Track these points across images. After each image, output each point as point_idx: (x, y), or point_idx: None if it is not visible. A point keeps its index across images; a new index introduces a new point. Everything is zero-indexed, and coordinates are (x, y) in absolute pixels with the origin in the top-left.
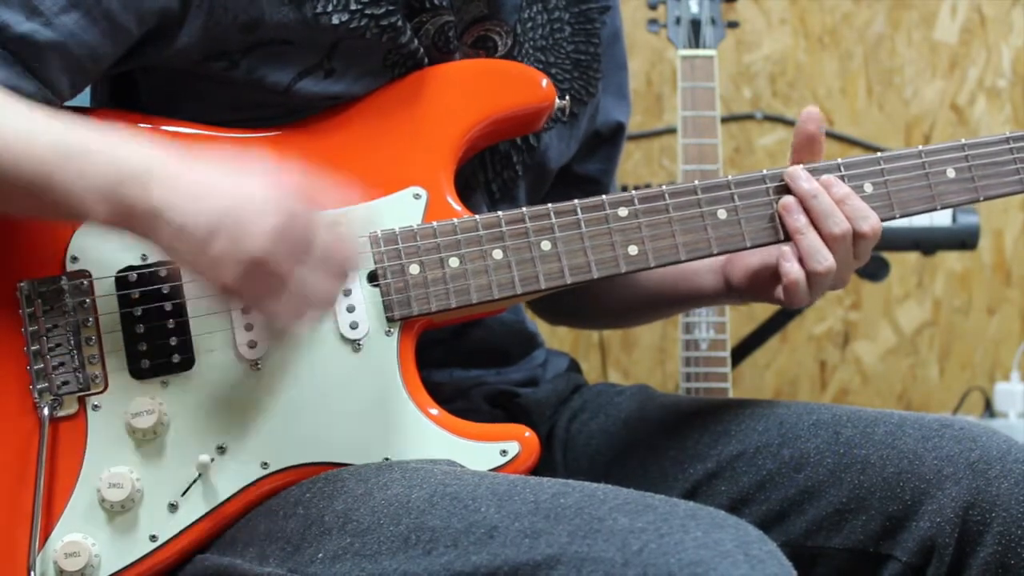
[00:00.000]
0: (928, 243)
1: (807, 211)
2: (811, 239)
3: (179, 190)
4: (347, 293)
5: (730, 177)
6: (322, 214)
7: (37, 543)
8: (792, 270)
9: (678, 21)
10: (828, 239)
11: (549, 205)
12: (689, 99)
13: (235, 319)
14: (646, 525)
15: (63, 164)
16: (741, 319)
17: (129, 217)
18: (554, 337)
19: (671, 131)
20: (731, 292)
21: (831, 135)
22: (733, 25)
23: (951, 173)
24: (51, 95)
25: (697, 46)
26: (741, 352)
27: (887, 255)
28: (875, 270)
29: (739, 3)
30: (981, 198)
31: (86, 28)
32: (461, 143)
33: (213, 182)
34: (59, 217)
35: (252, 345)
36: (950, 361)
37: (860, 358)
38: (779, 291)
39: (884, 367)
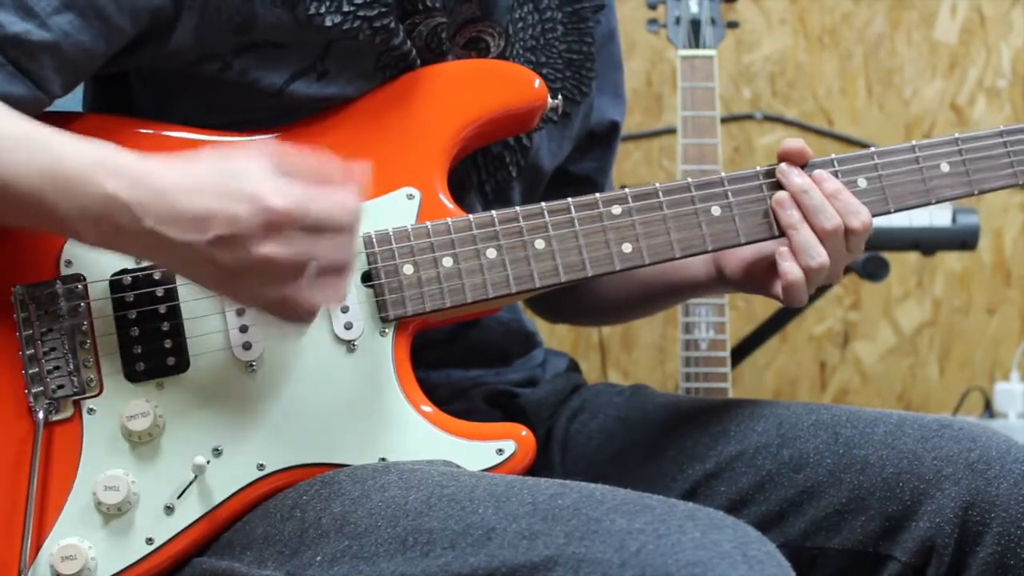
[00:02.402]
0: (928, 243)
1: (799, 206)
2: (804, 235)
3: (173, 207)
4: None
5: (723, 174)
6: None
7: (28, 546)
8: (791, 270)
9: (678, 21)
10: (820, 234)
11: (543, 204)
12: (689, 99)
13: (230, 321)
14: (644, 526)
15: (53, 185)
16: (741, 319)
17: (120, 234)
18: (553, 337)
19: (671, 131)
20: (725, 281)
21: (831, 135)
22: (733, 25)
23: (945, 167)
24: (43, 96)
25: (697, 46)
26: (741, 352)
27: (887, 255)
28: (875, 270)
29: (739, 3)
30: (975, 191)
31: (80, 28)
32: (454, 143)
33: (204, 185)
34: (54, 233)
35: (247, 347)
36: (950, 361)
37: (860, 358)
38: (776, 287)
39: (884, 367)
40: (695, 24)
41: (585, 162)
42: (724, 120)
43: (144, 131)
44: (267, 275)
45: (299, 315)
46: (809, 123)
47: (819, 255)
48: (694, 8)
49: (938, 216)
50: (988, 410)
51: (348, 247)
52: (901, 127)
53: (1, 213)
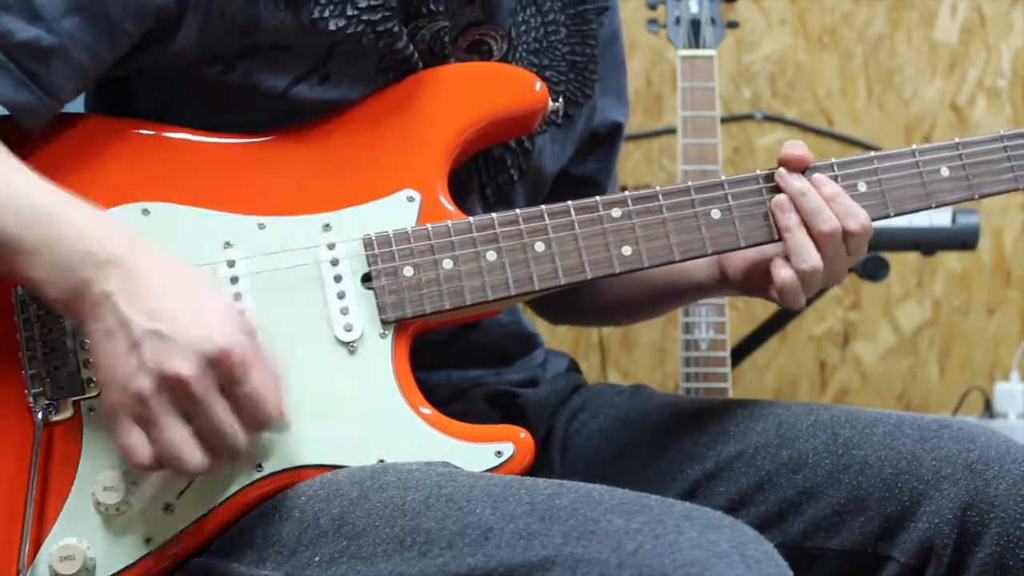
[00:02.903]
0: (928, 243)
1: (797, 209)
2: (799, 238)
3: (136, 284)
4: (341, 296)
5: (723, 177)
6: (262, 360)
7: (27, 546)
8: (781, 274)
9: (678, 21)
10: (818, 237)
11: (543, 206)
12: (689, 99)
13: None
14: (641, 526)
15: (25, 234)
16: (741, 319)
17: (79, 299)
18: (554, 337)
19: (671, 131)
20: (727, 284)
21: (831, 135)
22: (733, 25)
23: (945, 171)
24: (52, 101)
25: (697, 46)
26: (741, 352)
27: (887, 255)
28: (875, 270)
29: (739, 3)
30: (976, 196)
31: (88, 31)
32: (454, 145)
33: (170, 287)
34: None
35: None
36: (950, 361)
37: (860, 358)
38: (773, 290)
39: (884, 367)
40: (695, 24)
41: (588, 163)
42: (724, 120)
43: (145, 132)
44: (161, 390)
45: (141, 448)
46: (809, 123)
47: (811, 259)
48: (694, 8)
49: (938, 216)
50: (988, 410)
51: (239, 434)
52: (901, 127)
53: None
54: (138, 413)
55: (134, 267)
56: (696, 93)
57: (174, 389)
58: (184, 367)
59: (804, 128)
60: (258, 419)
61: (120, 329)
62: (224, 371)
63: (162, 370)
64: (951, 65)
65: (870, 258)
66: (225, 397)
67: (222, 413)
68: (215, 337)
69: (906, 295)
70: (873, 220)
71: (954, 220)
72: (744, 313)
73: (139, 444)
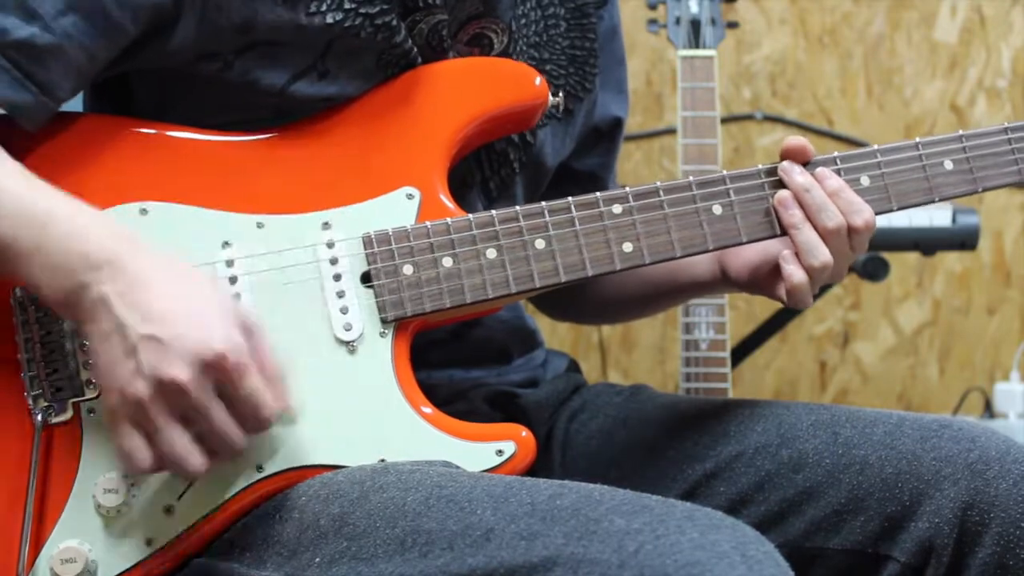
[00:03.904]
0: (928, 243)
1: (801, 205)
2: (807, 234)
3: (133, 286)
4: (341, 295)
5: (725, 172)
6: (262, 360)
7: (27, 549)
8: (795, 273)
9: (678, 21)
10: (823, 233)
11: (543, 203)
12: (689, 99)
13: None
14: (642, 526)
15: (20, 236)
16: (741, 319)
17: (76, 301)
18: (554, 337)
19: (671, 131)
20: (728, 281)
21: (831, 135)
22: (733, 25)
23: (949, 165)
24: (49, 101)
25: (697, 46)
26: (741, 352)
27: (887, 255)
28: (875, 270)
29: (739, 3)
30: (979, 189)
31: (84, 30)
32: (454, 142)
33: (168, 288)
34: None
35: None
36: (950, 361)
37: (860, 358)
38: (780, 289)
39: (884, 367)
40: (695, 24)
41: (589, 158)
42: (724, 120)
43: (145, 131)
44: (158, 396)
45: (141, 452)
46: (809, 123)
47: (822, 255)
48: (694, 8)
49: (938, 216)
50: (988, 410)
51: (238, 435)
52: (901, 127)
53: None
54: (136, 418)
55: (131, 269)
56: (696, 93)
57: (172, 394)
58: (181, 373)
59: (804, 128)
60: (257, 420)
61: (117, 333)
62: (221, 374)
63: (159, 376)
64: (951, 65)
65: (870, 258)
66: (224, 399)
67: (221, 416)
68: (212, 341)
69: (906, 295)
70: (877, 214)
71: (954, 220)
72: (744, 313)
73: (139, 448)
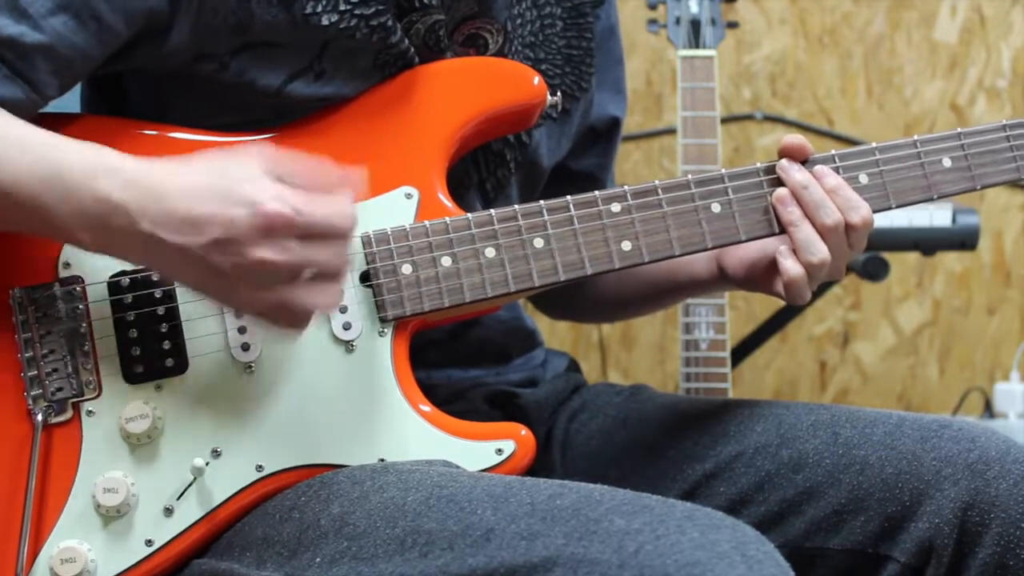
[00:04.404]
0: (928, 243)
1: (799, 202)
2: (805, 231)
3: (169, 210)
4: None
5: (723, 171)
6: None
7: (26, 549)
8: (792, 267)
9: (678, 21)
10: (821, 230)
11: (541, 202)
12: (689, 99)
13: (228, 322)
14: (642, 526)
15: (50, 188)
16: (741, 319)
17: (117, 245)
18: (554, 337)
19: (671, 131)
20: (726, 279)
21: (831, 135)
22: (733, 25)
23: (947, 162)
24: (38, 98)
25: (697, 46)
26: (741, 352)
27: (887, 255)
28: (875, 270)
29: (739, 3)
30: (978, 186)
31: (74, 30)
32: (452, 141)
33: (201, 188)
34: (54, 239)
35: (245, 348)
36: (950, 361)
37: (860, 358)
38: (778, 285)
39: (884, 367)
40: (695, 24)
41: (586, 159)
42: (724, 120)
43: (144, 132)
44: (262, 280)
45: (293, 321)
46: (809, 123)
47: (820, 251)
48: (694, 8)
49: (938, 216)
50: (988, 410)
51: (343, 252)
52: (901, 127)
53: (4, 217)
54: (270, 273)
55: (147, 180)
56: (696, 93)
57: (267, 272)
58: (257, 252)
59: (804, 128)
60: (343, 236)
61: (181, 258)
62: (286, 228)
63: (244, 264)
64: (951, 65)
65: (870, 258)
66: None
67: (313, 248)
68: (258, 206)
69: (906, 295)
70: (875, 212)
71: (954, 220)
72: (744, 313)
73: (297, 295)
